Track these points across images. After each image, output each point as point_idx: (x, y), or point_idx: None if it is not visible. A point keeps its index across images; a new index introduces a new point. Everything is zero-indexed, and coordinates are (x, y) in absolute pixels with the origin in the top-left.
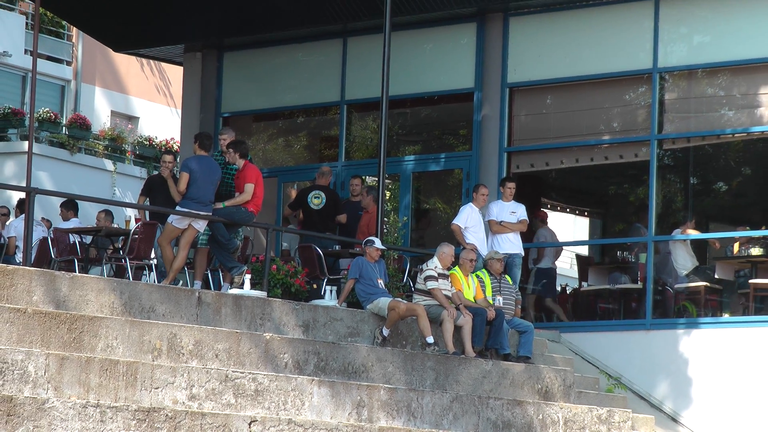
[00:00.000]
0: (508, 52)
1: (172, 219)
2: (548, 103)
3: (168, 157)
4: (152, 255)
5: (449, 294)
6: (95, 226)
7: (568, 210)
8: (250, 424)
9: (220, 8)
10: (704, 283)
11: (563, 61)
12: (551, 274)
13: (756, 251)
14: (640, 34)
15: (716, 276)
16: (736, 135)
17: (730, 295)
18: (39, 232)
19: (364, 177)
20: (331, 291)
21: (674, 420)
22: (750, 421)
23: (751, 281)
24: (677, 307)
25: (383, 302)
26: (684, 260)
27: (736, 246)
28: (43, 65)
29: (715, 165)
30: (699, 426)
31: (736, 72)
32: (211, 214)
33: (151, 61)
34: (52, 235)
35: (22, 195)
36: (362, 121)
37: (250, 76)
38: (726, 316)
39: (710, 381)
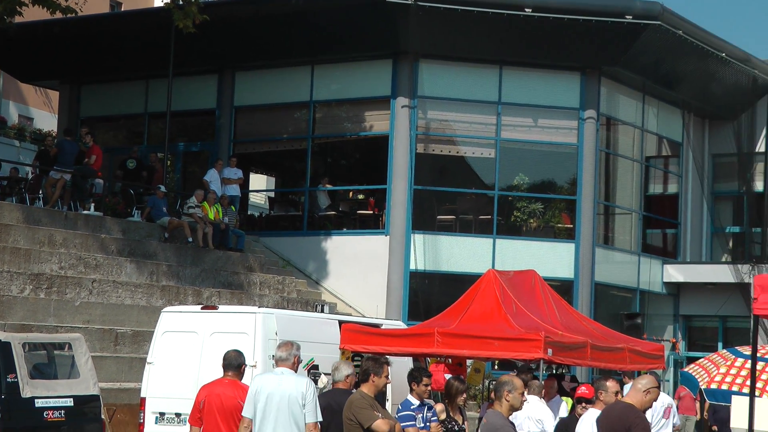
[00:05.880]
0: (234, 90)
1: (52, 173)
2: (256, 116)
3: (48, 139)
4: (40, 192)
5: (201, 215)
6: (8, 175)
7: (264, 173)
8: (92, 282)
9: (78, 60)
10: (334, 212)
11: (262, 94)
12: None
13: (360, 196)
14: (305, 83)
15: (341, 209)
16: (351, 136)
17: (350, 218)
18: None
19: (157, 153)
20: (138, 213)
21: (317, 283)
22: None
23: (358, 212)
24: (321, 224)
25: (165, 219)
26: (324, 200)
27: (351, 193)
28: None
29: (340, 151)
30: (329, 285)
31: (352, 104)
32: (72, 170)
33: (41, 87)
34: None
35: None
36: (156, 124)
37: (97, 97)
38: (345, 230)
39: (337, 263)
